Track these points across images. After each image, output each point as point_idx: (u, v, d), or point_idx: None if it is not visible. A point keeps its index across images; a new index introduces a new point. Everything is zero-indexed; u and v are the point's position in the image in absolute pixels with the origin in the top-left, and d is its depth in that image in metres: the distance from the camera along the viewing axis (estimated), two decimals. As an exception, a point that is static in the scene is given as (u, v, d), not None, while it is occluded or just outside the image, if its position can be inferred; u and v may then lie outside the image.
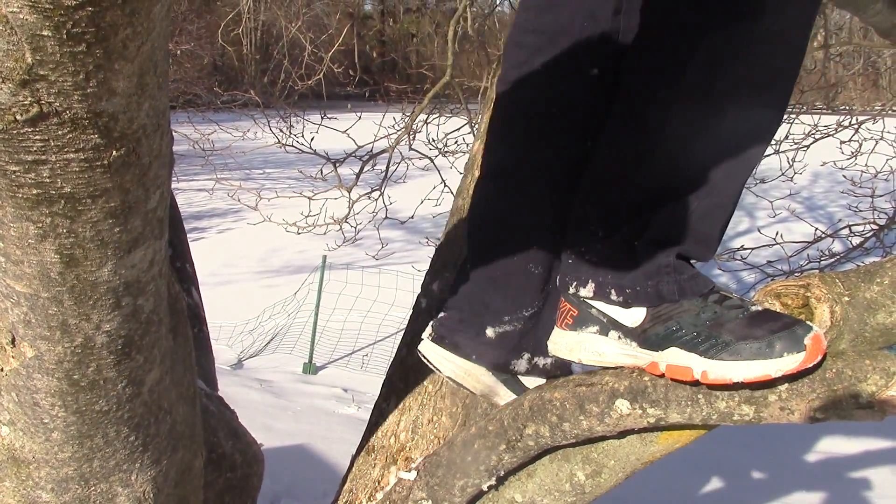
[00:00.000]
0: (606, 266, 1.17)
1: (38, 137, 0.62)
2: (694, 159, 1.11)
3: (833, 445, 4.51)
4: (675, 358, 1.08)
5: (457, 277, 1.34)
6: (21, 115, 0.59)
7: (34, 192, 0.66)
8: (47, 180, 0.65)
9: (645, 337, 1.12)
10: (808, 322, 1.04)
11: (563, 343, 1.22)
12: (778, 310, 1.11)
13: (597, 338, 1.17)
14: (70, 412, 0.89)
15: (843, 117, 5.22)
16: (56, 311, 0.78)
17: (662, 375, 1.09)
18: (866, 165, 5.01)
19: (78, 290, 0.77)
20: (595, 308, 1.18)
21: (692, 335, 1.07)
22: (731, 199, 1.14)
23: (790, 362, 1.00)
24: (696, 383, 1.06)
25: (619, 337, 1.15)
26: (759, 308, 1.08)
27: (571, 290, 1.21)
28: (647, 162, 1.14)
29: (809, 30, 1.10)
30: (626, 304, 1.15)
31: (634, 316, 1.14)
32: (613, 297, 1.16)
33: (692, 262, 1.18)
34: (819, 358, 1.01)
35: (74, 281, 0.76)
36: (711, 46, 1.06)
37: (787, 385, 1.03)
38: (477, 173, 1.57)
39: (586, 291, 1.19)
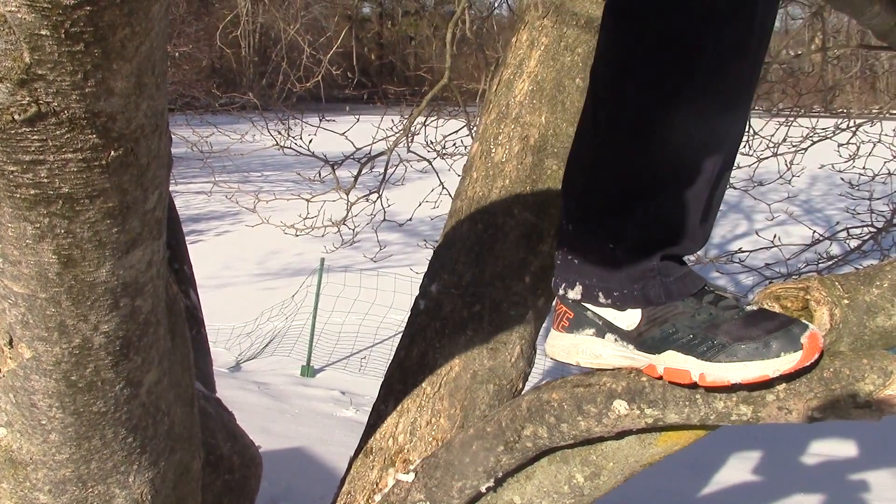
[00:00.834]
0: (591, 269, 1.17)
1: (35, 137, 0.62)
2: (672, 157, 1.10)
3: (832, 447, 4.51)
4: (672, 361, 1.07)
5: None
6: (19, 114, 0.59)
7: (32, 192, 0.66)
8: (45, 180, 0.65)
9: (641, 340, 1.12)
10: (803, 320, 1.04)
11: (561, 346, 1.22)
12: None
13: (593, 340, 1.17)
14: (68, 413, 0.89)
15: (840, 120, 5.23)
16: (54, 311, 0.78)
17: (661, 378, 1.09)
18: (864, 168, 5.01)
19: (76, 290, 0.77)
20: (590, 311, 1.18)
21: (688, 337, 1.07)
22: (706, 185, 1.11)
23: (787, 362, 1.00)
24: (694, 385, 1.06)
25: (616, 340, 1.15)
26: (755, 308, 1.08)
27: (561, 292, 1.21)
28: (616, 161, 1.14)
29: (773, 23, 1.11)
30: (615, 307, 1.15)
31: (629, 319, 1.13)
32: (602, 299, 1.16)
33: (684, 258, 1.17)
34: (816, 356, 1.01)
35: (72, 282, 0.75)
36: (719, 44, 1.04)
37: (784, 384, 1.03)
38: (475, 175, 1.57)
39: (574, 293, 1.19)
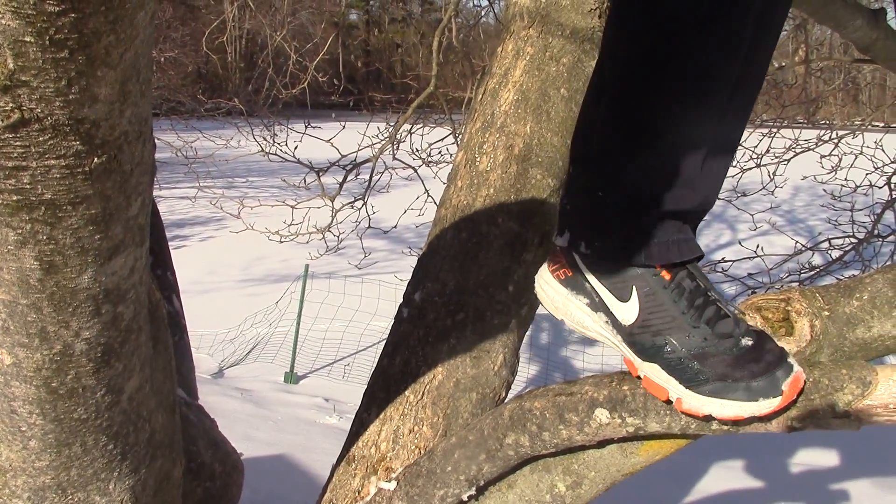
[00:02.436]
0: (580, 215, 1.15)
1: (18, 143, 0.61)
2: (662, 109, 1.07)
3: (813, 456, 4.53)
4: (654, 374, 1.08)
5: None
6: (2, 120, 0.59)
7: (14, 198, 0.66)
8: (27, 186, 0.65)
9: (632, 340, 1.11)
10: (791, 360, 1.04)
11: (551, 295, 1.20)
12: (759, 324, 1.11)
13: (585, 311, 1.16)
14: (48, 420, 0.88)
15: (823, 132, 5.28)
16: (35, 318, 0.78)
17: (637, 377, 1.10)
18: (846, 180, 5.06)
19: (57, 297, 0.76)
20: (589, 283, 1.15)
21: (677, 359, 1.07)
22: (704, 140, 1.07)
23: (763, 407, 1.01)
24: (668, 402, 1.07)
25: (606, 323, 1.14)
26: (750, 342, 1.06)
27: (554, 238, 1.20)
28: (611, 107, 1.11)
29: None
30: (594, 258, 1.13)
31: (626, 313, 1.12)
32: (583, 248, 1.14)
33: (685, 221, 1.13)
34: (794, 397, 1.02)
35: (54, 288, 0.75)
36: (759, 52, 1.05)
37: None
38: (460, 183, 1.58)
39: (562, 240, 1.17)
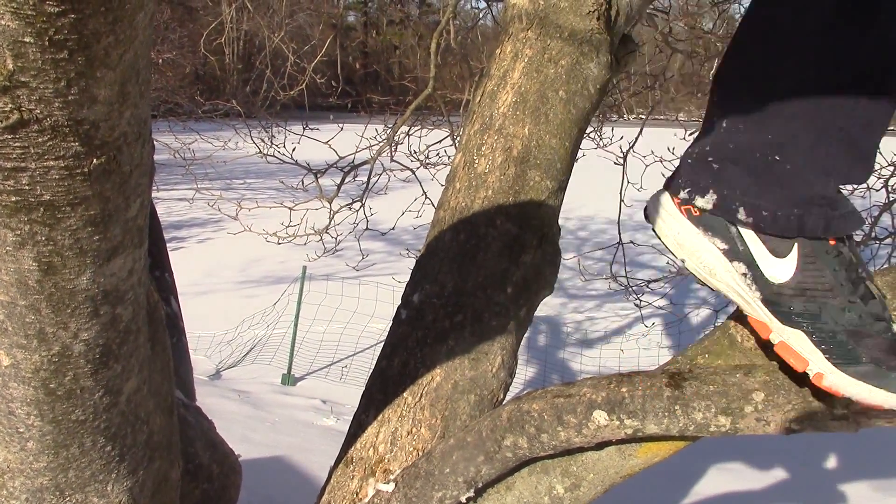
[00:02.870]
0: (740, 177, 1.02)
1: (17, 144, 0.61)
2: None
3: (811, 458, 4.53)
4: (797, 342, 1.00)
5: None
6: (1, 121, 0.59)
7: (13, 199, 0.66)
8: (26, 188, 0.65)
9: (778, 300, 1.01)
10: None
11: (677, 230, 1.08)
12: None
13: (719, 258, 1.05)
14: (46, 421, 0.88)
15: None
16: (33, 319, 0.77)
17: (768, 342, 1.03)
18: (843, 182, 5.05)
19: (56, 298, 0.76)
20: (736, 228, 1.03)
21: (829, 333, 0.98)
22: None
23: None
24: (803, 375, 1.00)
25: (745, 276, 1.03)
26: None
27: (682, 195, 1.07)
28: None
29: None
30: (756, 228, 1.01)
31: (779, 271, 1.01)
32: (741, 215, 1.01)
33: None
34: None
35: (52, 289, 0.75)
36: None
37: (763, 396, 1.03)
38: (458, 185, 1.58)
39: (704, 202, 1.04)
